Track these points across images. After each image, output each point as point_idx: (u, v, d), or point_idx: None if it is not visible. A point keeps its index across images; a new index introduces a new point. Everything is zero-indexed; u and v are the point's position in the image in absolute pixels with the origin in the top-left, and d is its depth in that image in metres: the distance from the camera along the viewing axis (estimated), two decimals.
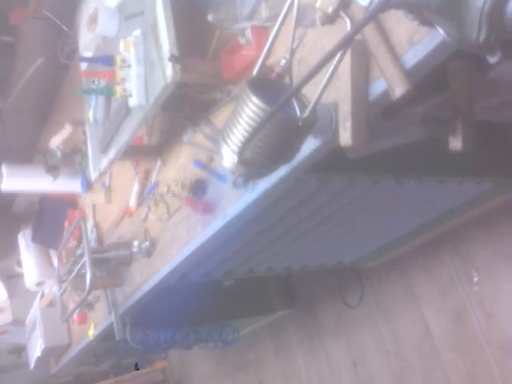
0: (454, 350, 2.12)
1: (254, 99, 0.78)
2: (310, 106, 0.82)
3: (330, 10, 0.70)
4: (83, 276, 1.60)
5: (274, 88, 0.87)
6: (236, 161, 0.81)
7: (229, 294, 2.36)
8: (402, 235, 1.97)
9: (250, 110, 0.79)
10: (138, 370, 4.48)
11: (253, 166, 0.83)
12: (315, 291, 2.79)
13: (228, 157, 0.84)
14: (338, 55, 0.73)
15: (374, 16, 0.61)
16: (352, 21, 0.69)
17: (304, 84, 0.72)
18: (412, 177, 1.47)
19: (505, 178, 1.65)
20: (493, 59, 0.72)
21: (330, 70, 0.77)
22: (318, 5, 0.70)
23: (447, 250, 2.10)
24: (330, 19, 0.71)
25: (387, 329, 2.42)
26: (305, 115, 0.82)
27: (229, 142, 0.83)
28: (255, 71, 0.85)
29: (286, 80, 1.11)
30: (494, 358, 1.97)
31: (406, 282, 2.30)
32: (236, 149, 0.81)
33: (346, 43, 0.68)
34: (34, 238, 2.41)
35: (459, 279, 2.09)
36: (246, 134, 0.80)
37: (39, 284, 2.48)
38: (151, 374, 4.60)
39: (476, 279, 2.03)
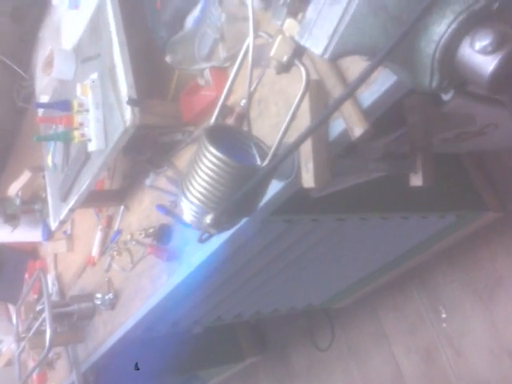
0: None
1: (212, 150, 0.76)
2: (271, 153, 0.80)
3: (285, 58, 0.70)
4: (43, 332, 1.52)
5: (233, 135, 0.86)
6: (208, 224, 0.78)
7: (197, 343, 2.30)
8: (369, 273, 1.98)
9: (208, 161, 0.77)
10: None
11: (220, 224, 0.80)
12: (286, 335, 2.74)
13: (188, 210, 0.82)
14: (297, 99, 0.73)
15: (353, 91, 0.61)
16: (306, 68, 0.70)
17: (285, 158, 0.72)
18: (376, 214, 1.48)
19: (467, 210, 1.68)
20: (446, 97, 0.74)
21: (290, 114, 0.77)
22: (272, 54, 0.70)
23: (415, 285, 2.11)
24: (285, 68, 0.72)
25: (359, 371, 2.39)
26: (265, 162, 0.81)
27: (188, 195, 0.81)
28: (213, 119, 0.84)
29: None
30: None
31: (375, 320, 2.29)
32: (197, 202, 0.79)
33: (322, 121, 0.67)
34: None
35: (428, 316, 2.09)
36: (207, 186, 0.78)
37: None
38: None
39: (444, 315, 2.04)
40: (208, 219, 0.76)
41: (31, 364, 2.06)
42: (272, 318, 2.63)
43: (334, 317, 2.45)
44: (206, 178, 0.76)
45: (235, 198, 0.74)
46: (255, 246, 1.42)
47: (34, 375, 1.99)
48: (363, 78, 0.55)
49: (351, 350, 2.41)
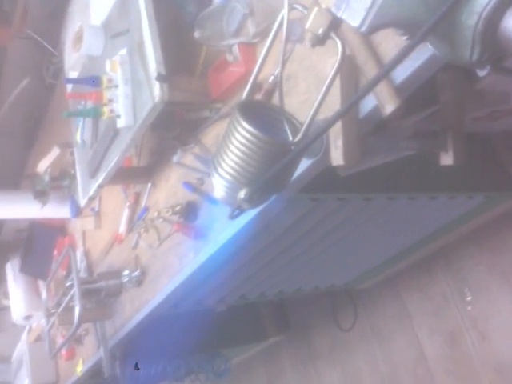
0: (448, 373, 2.10)
1: (245, 125, 0.76)
2: (303, 129, 0.80)
3: (320, 31, 0.68)
4: (72, 308, 1.55)
5: (264, 111, 0.86)
6: (242, 198, 0.78)
7: (220, 322, 2.32)
8: (394, 254, 1.97)
9: (241, 136, 0.77)
10: None
11: (254, 199, 0.80)
12: (309, 315, 2.75)
13: (220, 186, 0.82)
14: (332, 74, 0.72)
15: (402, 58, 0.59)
16: (343, 41, 0.68)
17: (318, 137, 0.71)
18: (403, 194, 1.47)
19: (496, 192, 1.65)
20: (482, 73, 0.72)
21: (323, 91, 0.76)
22: (307, 26, 0.69)
23: (440, 267, 2.09)
24: (321, 41, 0.70)
25: (381, 352, 2.39)
26: (297, 139, 0.80)
27: (220, 170, 0.81)
28: (245, 94, 0.84)
29: (275, 97, 1.11)
30: (489, 380, 1.95)
31: (399, 302, 2.28)
32: (229, 178, 0.79)
33: (358, 99, 0.65)
34: (23, 269, 2.35)
35: (453, 298, 2.08)
36: (239, 161, 0.77)
37: (27, 318, 2.41)
38: None
39: (469, 298, 2.02)
40: (242, 194, 0.76)
41: (60, 339, 2.11)
42: (295, 298, 2.64)
43: (357, 297, 2.45)
44: (238, 153, 0.76)
45: (271, 173, 0.74)
46: (281, 225, 1.42)
47: (63, 350, 2.04)
48: (407, 51, 0.53)
49: (374, 331, 2.41)
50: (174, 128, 1.38)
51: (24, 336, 2.67)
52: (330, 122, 0.66)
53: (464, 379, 2.03)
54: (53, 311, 1.74)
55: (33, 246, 2.28)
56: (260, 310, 2.68)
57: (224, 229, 1.24)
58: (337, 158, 0.95)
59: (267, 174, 0.75)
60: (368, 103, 0.95)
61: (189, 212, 1.34)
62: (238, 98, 1.20)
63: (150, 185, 1.55)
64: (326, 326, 2.64)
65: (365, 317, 2.45)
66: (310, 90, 1.03)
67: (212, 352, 2.53)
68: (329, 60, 0.96)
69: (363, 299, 2.43)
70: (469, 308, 2.02)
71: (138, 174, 1.56)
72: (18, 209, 2.05)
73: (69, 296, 1.58)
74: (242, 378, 3.30)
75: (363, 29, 0.63)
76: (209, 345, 2.47)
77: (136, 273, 1.58)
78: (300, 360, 2.86)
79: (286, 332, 2.81)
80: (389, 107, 0.90)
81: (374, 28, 0.63)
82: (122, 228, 1.67)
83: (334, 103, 0.96)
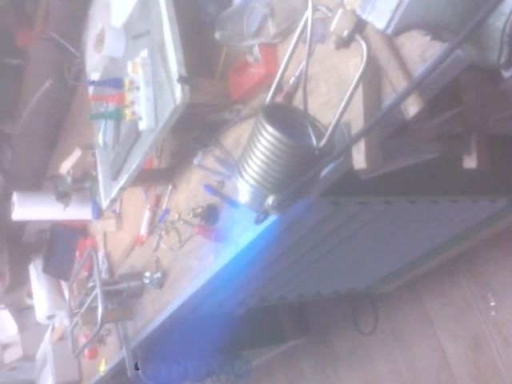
0: (472, 379, 2.07)
1: (270, 129, 0.76)
2: (328, 134, 0.79)
3: (345, 33, 0.68)
4: (94, 309, 1.57)
5: (288, 114, 0.85)
6: (270, 205, 0.78)
7: (240, 324, 2.32)
8: (415, 258, 1.95)
9: (265, 141, 0.77)
10: None
11: (282, 206, 0.80)
12: (328, 318, 2.74)
13: (244, 191, 0.82)
14: (357, 78, 0.71)
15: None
16: (368, 44, 0.68)
17: (348, 149, 0.70)
18: (425, 197, 1.45)
19: None
20: (508, 74, 0.71)
21: (347, 96, 0.75)
22: (332, 28, 0.68)
23: (462, 272, 2.06)
24: (345, 43, 0.70)
25: (403, 357, 2.37)
26: (322, 143, 0.80)
27: (244, 175, 0.81)
28: (269, 98, 0.84)
29: (296, 98, 1.11)
30: None
31: (420, 306, 2.26)
32: (254, 183, 0.79)
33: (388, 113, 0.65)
34: (46, 269, 2.38)
35: (476, 303, 2.05)
36: (263, 166, 0.77)
37: (50, 317, 2.45)
38: None
39: (493, 303, 1.99)
40: (270, 201, 0.76)
41: (83, 339, 2.14)
42: (315, 302, 2.63)
43: (378, 301, 2.43)
44: (263, 157, 0.76)
45: (302, 182, 0.74)
46: (301, 228, 1.41)
47: (86, 350, 2.06)
48: (443, 58, 0.52)
49: (395, 336, 2.39)
50: (195, 130, 1.39)
51: (47, 335, 2.71)
52: (356, 137, 0.66)
53: None
54: (76, 311, 1.76)
55: (55, 247, 2.32)
56: (280, 312, 2.68)
57: (244, 232, 1.24)
58: (359, 161, 0.95)
59: (298, 182, 0.75)
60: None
61: (209, 215, 1.34)
62: (259, 100, 1.20)
63: (170, 187, 1.55)
64: (346, 330, 2.62)
65: (386, 321, 2.43)
66: (332, 92, 1.02)
67: (233, 354, 2.53)
68: (351, 61, 0.96)
69: (384, 303, 2.41)
70: (493, 313, 1.99)
71: (159, 176, 1.57)
72: (40, 210, 2.08)
73: (91, 297, 1.60)
74: (262, 380, 3.30)
75: (389, 31, 0.62)
76: (229, 346, 2.47)
77: (157, 275, 1.59)
78: (320, 363, 2.84)
79: (305, 335, 2.81)
80: (412, 109, 0.89)
81: (400, 30, 0.62)
82: (143, 230, 1.68)
83: (357, 106, 0.95)
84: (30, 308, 2.68)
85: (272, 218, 1.15)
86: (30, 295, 2.63)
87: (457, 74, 0.88)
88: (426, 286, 2.21)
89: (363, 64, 0.67)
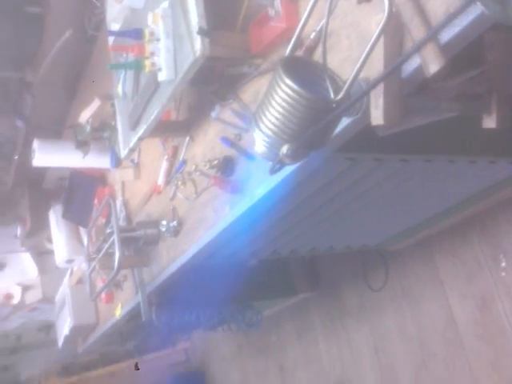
0: (478, 338, 2.10)
1: (288, 81, 0.76)
2: (345, 88, 0.79)
3: None
4: (112, 254, 1.62)
5: (307, 67, 0.85)
6: (285, 154, 0.79)
7: (253, 275, 2.37)
8: (429, 216, 1.95)
9: (283, 93, 0.78)
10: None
11: (296, 155, 0.81)
12: (339, 273, 2.78)
13: (260, 141, 0.83)
14: (376, 35, 0.70)
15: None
16: None
17: (361, 98, 0.70)
18: (442, 156, 1.44)
19: None
20: None
21: (366, 51, 0.74)
22: None
23: (475, 232, 2.07)
24: None
25: (411, 314, 2.41)
26: (339, 97, 0.80)
27: (261, 126, 0.82)
28: (288, 51, 0.83)
29: (316, 53, 1.10)
30: None
31: (431, 265, 2.28)
32: (270, 133, 0.80)
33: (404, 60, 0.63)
34: (65, 215, 2.45)
35: (487, 263, 2.06)
36: (280, 117, 0.78)
37: (69, 261, 2.53)
38: (174, 355, 4.68)
39: (504, 264, 2.00)
40: (285, 149, 0.77)
41: (100, 283, 2.21)
42: (326, 256, 2.67)
43: (389, 258, 2.46)
44: (280, 109, 0.77)
45: (314, 130, 0.75)
46: (316, 183, 1.43)
47: (103, 294, 2.14)
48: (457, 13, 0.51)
49: (404, 292, 2.43)
50: (213, 83, 1.39)
51: (66, 278, 2.80)
52: (373, 84, 0.66)
53: (494, 345, 2.03)
54: (94, 256, 1.82)
55: (74, 194, 2.37)
56: (291, 265, 2.73)
57: (260, 184, 1.26)
58: (377, 117, 0.95)
59: (311, 131, 0.76)
60: (411, 62, 0.93)
61: (226, 167, 1.35)
62: (279, 54, 1.19)
63: (188, 138, 1.57)
64: (356, 285, 2.67)
65: (396, 278, 2.46)
66: (353, 48, 1.01)
67: (244, 304, 2.60)
68: (373, 17, 0.94)
69: (395, 260, 2.44)
70: (503, 274, 2.01)
71: (176, 127, 1.58)
72: (60, 157, 2.12)
73: (109, 243, 1.65)
74: (272, 330, 3.39)
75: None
76: (241, 297, 2.54)
77: (173, 223, 1.62)
78: (329, 316, 2.91)
79: (316, 289, 2.86)
80: (433, 67, 0.88)
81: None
82: (161, 180, 1.70)
83: (377, 62, 0.94)
84: (50, 252, 2.77)
85: (287, 170, 1.17)
86: (49, 240, 2.71)
87: (481, 32, 0.86)
88: (437, 246, 2.23)
89: (384, 18, 0.66)
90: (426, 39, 0.59)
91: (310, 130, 0.80)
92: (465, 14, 0.82)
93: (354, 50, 1.01)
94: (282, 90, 0.77)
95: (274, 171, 0.85)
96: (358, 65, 0.75)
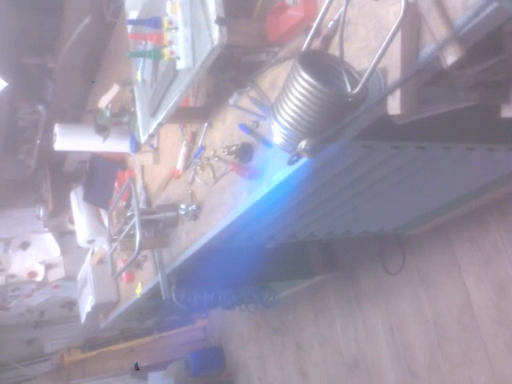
0: (494, 322, 2.10)
1: (305, 75, 0.77)
2: (362, 82, 0.80)
3: None
4: (132, 236, 1.66)
5: (324, 60, 0.86)
6: (303, 149, 0.80)
7: (270, 257, 2.41)
8: (447, 203, 1.95)
9: (300, 87, 0.78)
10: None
11: (315, 149, 0.83)
12: (356, 257, 2.80)
13: (278, 133, 0.85)
14: (394, 28, 0.71)
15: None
16: None
17: (382, 99, 0.70)
18: (461, 144, 1.44)
19: None
20: None
21: (383, 45, 0.75)
22: None
23: (493, 218, 2.06)
24: None
25: (427, 297, 2.42)
26: (355, 91, 0.81)
27: (279, 118, 0.83)
28: (306, 43, 0.84)
29: (333, 43, 1.11)
30: None
31: (448, 250, 2.28)
32: (288, 126, 0.81)
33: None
34: (86, 197, 2.50)
35: (504, 249, 2.06)
36: (298, 111, 0.79)
37: (90, 241, 2.60)
38: (192, 332, 4.78)
39: None
40: (303, 144, 0.79)
41: (120, 264, 2.27)
42: (344, 240, 2.69)
43: (406, 243, 2.47)
44: (297, 102, 0.78)
45: (336, 128, 0.76)
46: (333, 170, 1.44)
47: (124, 273, 2.19)
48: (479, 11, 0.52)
49: (421, 277, 2.44)
50: (231, 71, 1.40)
51: (88, 258, 2.88)
52: (391, 88, 0.66)
53: (510, 329, 2.03)
54: (115, 238, 1.86)
55: (94, 177, 2.42)
56: (309, 248, 2.75)
57: (277, 171, 1.28)
58: (394, 107, 0.95)
59: (331, 129, 0.77)
60: (428, 53, 0.93)
61: (244, 153, 1.37)
62: (296, 42, 1.20)
63: (206, 125, 1.59)
64: (373, 269, 2.69)
65: (413, 262, 2.47)
66: (370, 38, 1.01)
67: (262, 285, 2.64)
68: (391, 7, 0.94)
69: (412, 245, 2.44)
70: None
71: (195, 114, 1.60)
72: (80, 141, 2.16)
73: (130, 225, 1.69)
74: (288, 311, 3.44)
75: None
76: (259, 278, 2.57)
77: (192, 207, 1.65)
78: (345, 299, 2.94)
79: (333, 271, 2.89)
80: (451, 58, 0.88)
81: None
82: (179, 165, 1.73)
83: (394, 52, 0.95)
84: (72, 233, 2.84)
85: (305, 158, 1.18)
86: (71, 221, 2.78)
87: (499, 24, 0.86)
88: (455, 231, 2.23)
89: (402, 10, 0.67)
90: (445, 42, 0.59)
91: (329, 125, 0.81)
92: (482, 5, 0.82)
93: (372, 40, 1.01)
94: (299, 84, 0.78)
95: (291, 162, 0.87)
96: (375, 59, 0.75)
